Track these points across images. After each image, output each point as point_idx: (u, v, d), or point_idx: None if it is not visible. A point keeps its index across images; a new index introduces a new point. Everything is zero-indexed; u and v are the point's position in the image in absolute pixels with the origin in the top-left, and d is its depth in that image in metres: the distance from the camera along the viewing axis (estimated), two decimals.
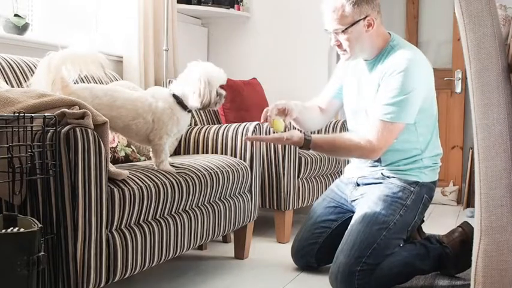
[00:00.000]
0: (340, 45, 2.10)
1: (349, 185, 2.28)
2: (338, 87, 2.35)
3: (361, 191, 2.20)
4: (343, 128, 3.17)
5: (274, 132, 2.19)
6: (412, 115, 2.03)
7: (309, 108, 2.36)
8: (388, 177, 2.15)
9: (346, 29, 2.03)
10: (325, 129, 3.34)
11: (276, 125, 2.08)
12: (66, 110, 1.48)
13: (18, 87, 2.04)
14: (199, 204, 2.06)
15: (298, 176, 2.83)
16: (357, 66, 2.22)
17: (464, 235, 2.18)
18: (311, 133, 2.15)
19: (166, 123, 1.93)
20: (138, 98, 1.92)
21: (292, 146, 2.74)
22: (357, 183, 2.25)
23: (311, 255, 2.29)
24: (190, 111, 2.00)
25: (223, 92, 1.99)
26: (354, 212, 2.17)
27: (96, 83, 2.41)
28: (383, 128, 2.01)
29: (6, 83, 1.97)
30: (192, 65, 2.00)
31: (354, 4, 2.01)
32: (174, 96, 1.96)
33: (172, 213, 1.90)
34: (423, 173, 2.13)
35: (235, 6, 3.70)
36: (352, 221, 2.09)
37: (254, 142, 2.43)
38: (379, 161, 2.17)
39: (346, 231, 2.08)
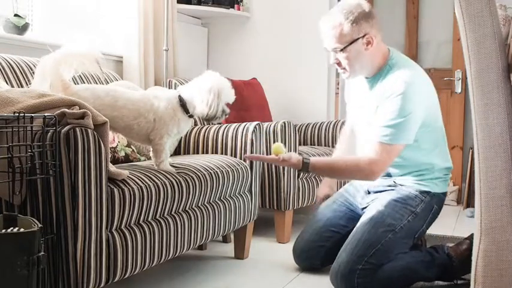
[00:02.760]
0: (339, 64, 2.08)
1: (360, 191, 2.28)
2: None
3: (372, 197, 2.20)
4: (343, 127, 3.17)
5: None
6: (411, 136, 2.03)
7: (346, 142, 2.39)
8: (400, 184, 2.15)
9: (345, 47, 2.02)
10: (326, 129, 3.34)
11: (277, 149, 2.06)
12: (66, 110, 1.48)
13: (18, 87, 2.04)
14: (199, 204, 2.06)
15: (298, 176, 2.83)
16: (359, 80, 2.21)
17: (472, 247, 2.15)
18: (309, 156, 2.13)
19: (168, 123, 1.93)
20: (140, 98, 1.92)
21: (292, 146, 2.74)
22: (368, 191, 2.25)
23: (317, 258, 2.28)
24: (191, 116, 2.00)
25: (228, 110, 2.00)
26: None
27: (96, 82, 2.41)
28: (382, 150, 2.00)
29: (6, 83, 1.97)
30: (207, 73, 2.00)
31: (352, 22, 1.99)
32: (180, 98, 1.96)
33: (172, 213, 1.90)
34: (434, 184, 2.12)
35: (235, 6, 3.69)
36: (359, 223, 2.09)
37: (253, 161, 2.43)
38: (389, 174, 2.17)
39: (352, 231, 2.08)
